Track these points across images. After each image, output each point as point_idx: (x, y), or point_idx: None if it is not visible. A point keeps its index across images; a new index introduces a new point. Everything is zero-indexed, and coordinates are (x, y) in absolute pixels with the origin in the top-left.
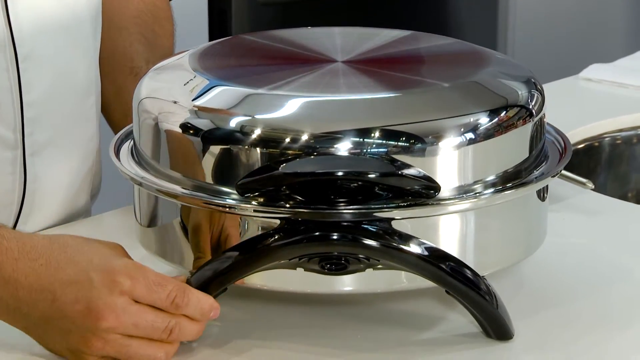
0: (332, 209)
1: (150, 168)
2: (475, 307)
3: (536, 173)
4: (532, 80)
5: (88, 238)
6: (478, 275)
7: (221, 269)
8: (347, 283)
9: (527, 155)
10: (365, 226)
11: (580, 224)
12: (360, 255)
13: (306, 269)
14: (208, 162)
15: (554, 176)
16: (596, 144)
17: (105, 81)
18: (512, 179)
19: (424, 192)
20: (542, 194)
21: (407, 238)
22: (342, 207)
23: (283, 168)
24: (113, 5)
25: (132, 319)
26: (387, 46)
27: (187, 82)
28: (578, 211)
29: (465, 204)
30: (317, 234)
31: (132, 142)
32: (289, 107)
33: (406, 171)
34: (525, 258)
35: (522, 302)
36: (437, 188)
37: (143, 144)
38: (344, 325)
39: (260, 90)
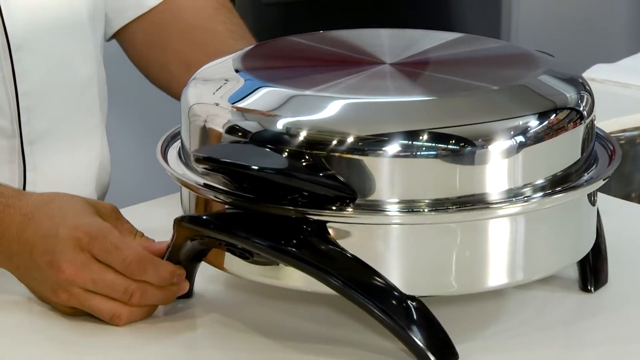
0: (242, 199)
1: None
2: (385, 327)
3: (586, 176)
4: (581, 81)
5: (77, 196)
6: (396, 294)
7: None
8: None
9: (578, 157)
10: (303, 225)
11: None
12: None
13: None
14: None
15: (605, 179)
16: None
17: None
18: (562, 182)
19: (337, 200)
20: (592, 198)
21: (318, 243)
22: (262, 202)
23: (198, 151)
24: (187, 9)
25: (90, 275)
26: (435, 49)
27: (234, 85)
28: None
29: (515, 208)
30: (194, 215)
31: (179, 144)
32: (334, 108)
33: (318, 177)
34: (573, 262)
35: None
36: (353, 198)
37: (192, 146)
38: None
39: (306, 92)
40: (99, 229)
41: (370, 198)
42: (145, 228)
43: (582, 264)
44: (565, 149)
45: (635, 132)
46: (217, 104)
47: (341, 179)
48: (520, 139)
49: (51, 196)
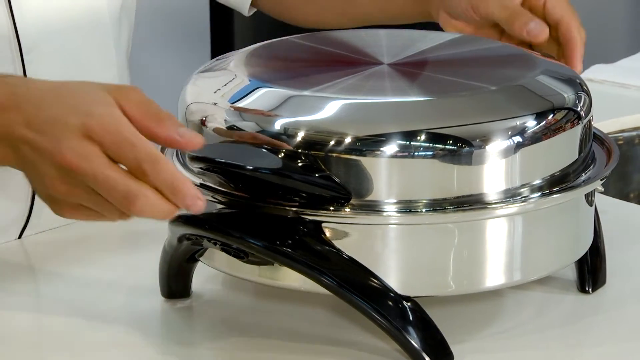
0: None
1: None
2: (380, 328)
3: (584, 176)
4: (579, 82)
5: (93, 83)
6: (392, 294)
7: None
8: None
9: (575, 158)
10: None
11: None
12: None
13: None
14: None
15: (602, 179)
16: None
17: None
18: (559, 182)
19: (333, 200)
20: (590, 198)
21: (313, 243)
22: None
23: (194, 150)
24: None
25: (92, 168)
26: (433, 49)
27: (232, 85)
28: None
29: (512, 208)
30: (189, 215)
31: None
32: (332, 109)
33: (313, 177)
34: (571, 263)
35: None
36: (348, 198)
37: None
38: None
39: (304, 92)
40: (111, 122)
41: (367, 198)
42: (144, 228)
43: (580, 264)
44: (562, 149)
45: (634, 133)
46: (214, 104)
47: (336, 179)
48: (518, 139)
49: (64, 82)
